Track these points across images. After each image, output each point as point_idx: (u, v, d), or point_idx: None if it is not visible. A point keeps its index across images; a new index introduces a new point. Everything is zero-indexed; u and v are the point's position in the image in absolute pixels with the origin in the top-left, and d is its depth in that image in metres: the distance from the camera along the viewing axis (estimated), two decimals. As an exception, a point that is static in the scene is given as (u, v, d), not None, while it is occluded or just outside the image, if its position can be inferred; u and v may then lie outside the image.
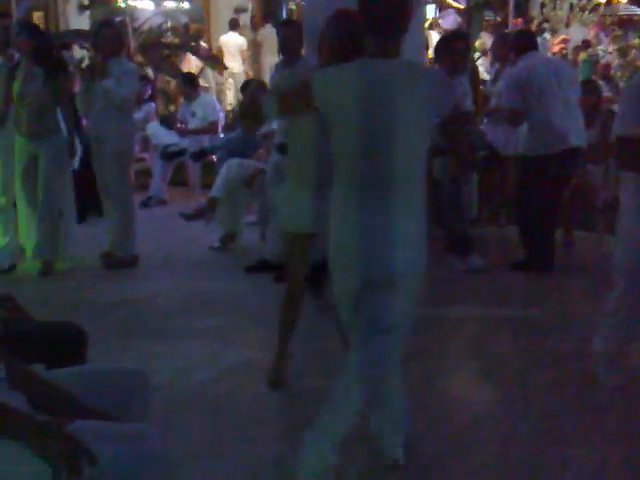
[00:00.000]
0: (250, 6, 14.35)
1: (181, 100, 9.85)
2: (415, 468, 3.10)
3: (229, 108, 11.35)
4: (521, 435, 3.39)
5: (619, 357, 3.86)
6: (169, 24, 12.50)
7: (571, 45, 12.63)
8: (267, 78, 10.31)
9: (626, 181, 3.71)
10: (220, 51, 13.06)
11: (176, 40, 12.22)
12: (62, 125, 5.86)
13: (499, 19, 13.87)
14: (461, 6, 13.92)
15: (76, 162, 6.50)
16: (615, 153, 3.78)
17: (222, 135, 8.70)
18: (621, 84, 10.46)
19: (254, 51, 13.17)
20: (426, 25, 11.92)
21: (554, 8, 14.34)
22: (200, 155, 8.24)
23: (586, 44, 12.58)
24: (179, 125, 9.01)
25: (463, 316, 4.89)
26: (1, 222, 6.17)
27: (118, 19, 10.27)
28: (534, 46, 5.96)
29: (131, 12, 11.51)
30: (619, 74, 11.49)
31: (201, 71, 11.96)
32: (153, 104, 9.72)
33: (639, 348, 4.03)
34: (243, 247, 6.53)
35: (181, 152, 8.69)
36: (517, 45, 5.98)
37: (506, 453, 3.24)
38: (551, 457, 3.20)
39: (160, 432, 2.17)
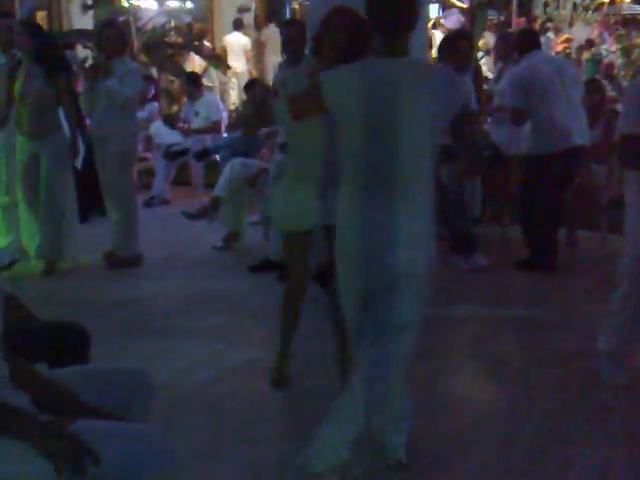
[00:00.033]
0: (253, 6, 14.36)
1: (184, 100, 9.86)
2: (418, 468, 3.09)
3: (232, 107, 11.35)
4: (524, 434, 3.39)
5: (623, 357, 3.85)
6: (172, 24, 12.49)
7: (574, 44, 12.61)
8: (270, 78, 10.33)
9: (630, 180, 3.70)
10: (224, 51, 13.06)
11: (179, 40, 12.21)
12: (64, 124, 5.86)
13: (502, 18, 13.86)
14: (464, 5, 13.90)
15: (79, 161, 6.50)
16: (618, 152, 3.78)
17: (225, 134, 8.70)
18: (624, 83, 10.44)
19: (257, 51, 13.19)
20: (429, 24, 11.90)
21: (557, 7, 14.32)
22: (203, 154, 8.24)
23: (589, 43, 12.57)
24: (181, 124, 9.02)
25: (466, 315, 4.89)
26: (4, 221, 6.18)
27: (121, 19, 10.27)
28: (537, 45, 5.95)
29: (134, 12, 11.50)
30: (622, 73, 11.47)
31: (205, 70, 11.97)
32: (156, 104, 9.73)
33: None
34: (246, 246, 6.53)
35: (184, 151, 8.70)
36: (520, 44, 5.97)
37: (509, 452, 3.24)
38: (554, 456, 3.20)
39: (162, 431, 2.17)
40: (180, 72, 10.96)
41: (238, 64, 12.93)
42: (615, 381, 3.80)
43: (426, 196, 2.81)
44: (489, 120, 7.08)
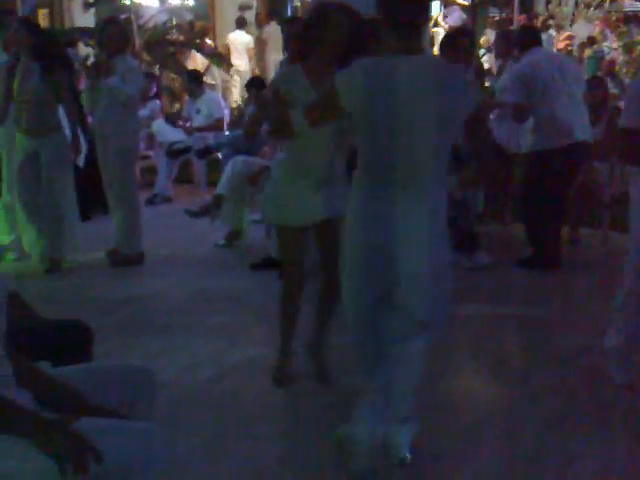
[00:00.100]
0: (255, 3, 14.35)
1: (186, 97, 9.86)
2: (419, 466, 3.09)
3: (234, 105, 11.35)
4: (525, 433, 3.39)
5: (630, 354, 3.83)
6: (174, 21, 12.49)
7: (576, 42, 12.61)
8: (272, 75, 10.31)
9: (635, 176, 3.69)
10: (227, 49, 13.06)
11: (181, 37, 12.21)
12: (64, 123, 5.85)
13: (504, 16, 13.86)
14: (466, 3, 13.90)
15: (82, 160, 6.50)
16: (618, 146, 3.76)
17: (227, 132, 8.70)
18: (626, 81, 10.43)
19: (259, 49, 13.18)
20: (431, 22, 11.90)
21: (559, 5, 14.32)
22: (205, 152, 8.24)
23: (591, 41, 12.56)
24: (180, 123, 9.02)
25: (468, 313, 4.88)
26: (7, 220, 6.17)
27: (123, 16, 10.25)
28: (538, 42, 5.94)
29: (136, 9, 11.49)
30: (624, 70, 11.46)
31: (207, 69, 11.97)
32: (158, 101, 9.73)
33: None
34: (248, 244, 6.54)
35: (186, 149, 8.70)
36: (521, 41, 5.97)
37: (510, 451, 3.24)
38: (555, 455, 3.20)
39: (165, 429, 2.18)
40: (182, 70, 10.96)
41: (241, 62, 12.93)
42: (623, 379, 3.78)
43: (440, 194, 2.82)
44: (491, 117, 7.07)
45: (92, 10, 11.88)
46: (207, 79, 10.91)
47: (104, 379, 2.36)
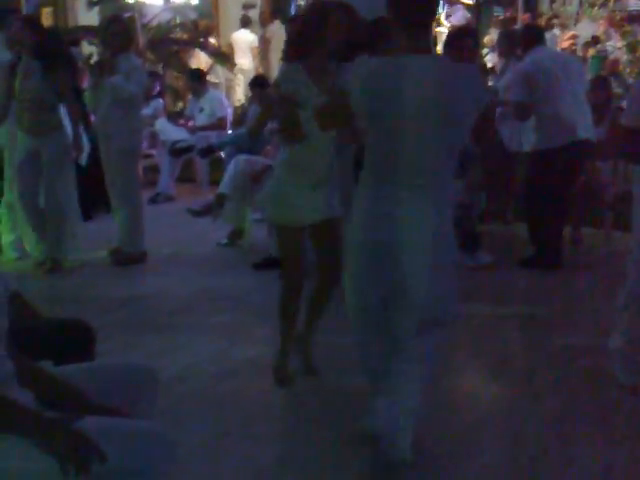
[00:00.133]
0: (259, 2, 14.33)
1: (189, 96, 9.86)
2: (420, 466, 3.09)
3: (238, 104, 11.35)
4: (527, 433, 3.39)
5: (634, 354, 3.81)
6: (178, 20, 12.48)
7: (580, 41, 12.58)
8: (275, 74, 10.29)
9: (638, 175, 3.69)
10: (231, 48, 13.05)
11: (185, 36, 12.21)
12: (65, 122, 5.85)
13: (508, 15, 13.82)
14: (470, 2, 13.87)
15: (84, 158, 6.50)
16: (619, 144, 3.76)
17: (230, 131, 8.70)
18: (630, 80, 10.40)
19: (263, 47, 13.16)
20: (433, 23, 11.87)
21: (564, 4, 14.29)
22: (208, 151, 8.25)
23: (595, 40, 12.53)
24: (182, 122, 9.02)
25: (470, 312, 4.88)
26: (10, 219, 6.18)
27: (127, 15, 10.25)
28: (541, 41, 5.94)
29: (140, 8, 11.48)
30: (628, 70, 11.43)
31: (210, 67, 11.97)
32: (161, 100, 9.73)
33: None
34: (251, 243, 6.54)
35: (189, 148, 8.70)
36: (524, 40, 5.97)
37: (512, 452, 3.24)
38: (557, 455, 3.20)
39: (166, 428, 2.18)
40: (185, 69, 10.96)
41: (245, 61, 12.92)
42: (630, 380, 3.76)
43: (448, 194, 2.82)
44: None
45: (96, 9, 11.87)
46: (211, 78, 10.90)
47: (106, 378, 2.36)
